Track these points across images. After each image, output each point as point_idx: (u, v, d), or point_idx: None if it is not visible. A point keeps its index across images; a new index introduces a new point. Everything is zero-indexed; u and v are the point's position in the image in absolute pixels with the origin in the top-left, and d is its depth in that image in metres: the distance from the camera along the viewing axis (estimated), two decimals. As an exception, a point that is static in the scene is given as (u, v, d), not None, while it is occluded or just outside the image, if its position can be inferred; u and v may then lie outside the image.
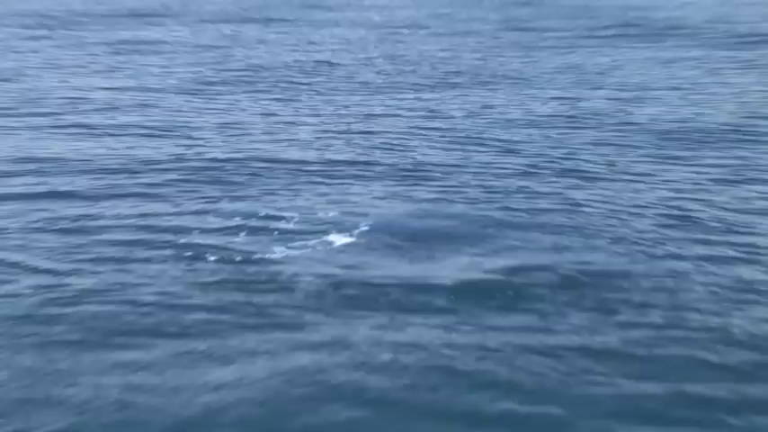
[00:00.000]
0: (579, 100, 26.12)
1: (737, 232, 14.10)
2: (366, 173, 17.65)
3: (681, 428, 8.58)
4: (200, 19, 55.86)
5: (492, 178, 17.25)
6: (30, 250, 13.16)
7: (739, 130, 22.09)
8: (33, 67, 32.36)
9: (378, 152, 19.28)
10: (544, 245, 13.26)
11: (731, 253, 13.09)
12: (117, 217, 14.84)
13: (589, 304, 11.16)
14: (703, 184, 16.96)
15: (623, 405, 8.96)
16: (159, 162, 18.43)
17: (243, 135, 21.11)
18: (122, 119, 23.09)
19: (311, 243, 13.25)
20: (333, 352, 9.91)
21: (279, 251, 12.87)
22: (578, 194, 16.11)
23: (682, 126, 22.40)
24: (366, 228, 13.82)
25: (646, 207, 15.39)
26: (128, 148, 19.76)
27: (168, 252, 12.97)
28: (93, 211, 15.15)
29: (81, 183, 16.88)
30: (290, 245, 13.16)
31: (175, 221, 14.51)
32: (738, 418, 8.74)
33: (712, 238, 13.82)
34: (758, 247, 13.44)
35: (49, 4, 62.69)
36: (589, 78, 31.03)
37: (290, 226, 14.07)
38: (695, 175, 17.66)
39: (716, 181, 17.28)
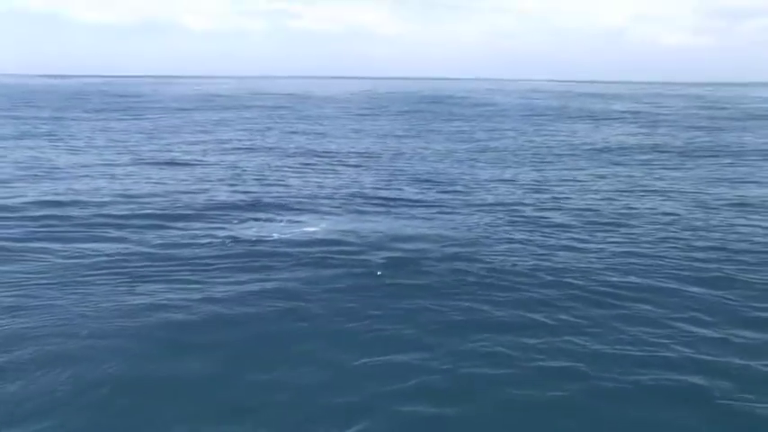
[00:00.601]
0: (453, 151, 24.15)
1: (539, 218, 12.48)
2: (328, 193, 15.28)
3: (515, 336, 6.95)
4: (258, 108, 53.08)
5: (402, 194, 15.32)
6: (127, 227, 11.34)
7: (536, 160, 21.06)
8: (165, 131, 29.91)
9: (337, 181, 17.09)
10: (432, 232, 11.41)
11: (537, 232, 11.43)
12: (188, 208, 12.97)
13: (457, 264, 9.43)
14: (517, 194, 15.27)
15: (481, 324, 7.28)
16: (221, 182, 16.40)
17: (268, 170, 18.78)
18: (205, 159, 20.84)
19: (294, 231, 11.29)
20: (305, 290, 8.31)
21: (275, 235, 10.89)
22: (453, 202, 14.28)
23: (497, 161, 20.98)
24: (325, 224, 11.89)
25: (491, 206, 13.71)
26: (205, 173, 17.69)
27: (211, 231, 11.04)
28: (175, 204, 13.33)
29: (171, 189, 14.96)
30: (282, 232, 11.17)
31: (219, 215, 12.48)
32: (552, 333, 6.97)
33: (525, 221, 12.21)
34: (559, 225, 11.90)
35: (184, 102, 59.99)
36: (458, 138, 29.18)
37: (282, 222, 12.10)
38: (513, 188, 16.02)
39: (526, 190, 15.68)
